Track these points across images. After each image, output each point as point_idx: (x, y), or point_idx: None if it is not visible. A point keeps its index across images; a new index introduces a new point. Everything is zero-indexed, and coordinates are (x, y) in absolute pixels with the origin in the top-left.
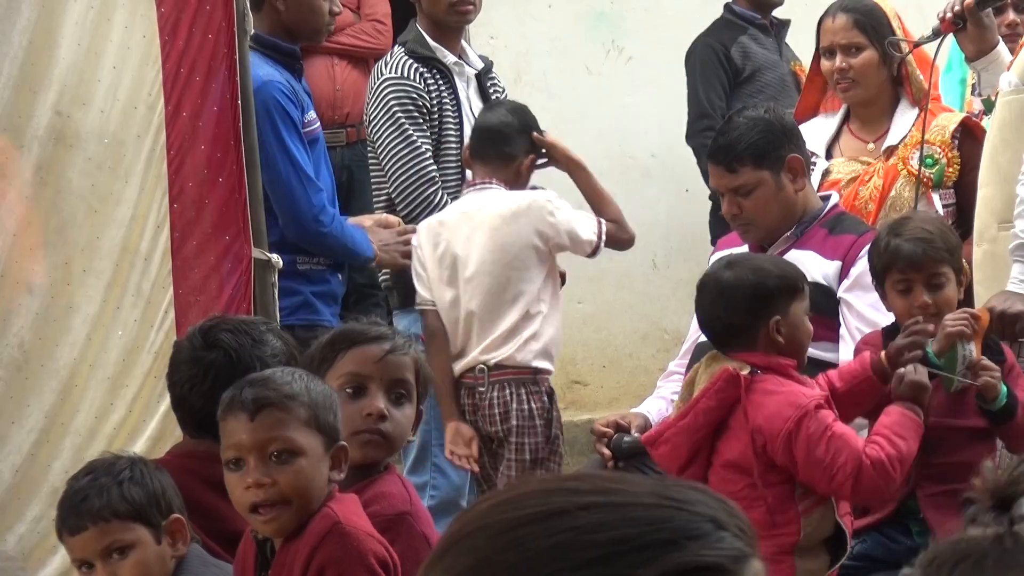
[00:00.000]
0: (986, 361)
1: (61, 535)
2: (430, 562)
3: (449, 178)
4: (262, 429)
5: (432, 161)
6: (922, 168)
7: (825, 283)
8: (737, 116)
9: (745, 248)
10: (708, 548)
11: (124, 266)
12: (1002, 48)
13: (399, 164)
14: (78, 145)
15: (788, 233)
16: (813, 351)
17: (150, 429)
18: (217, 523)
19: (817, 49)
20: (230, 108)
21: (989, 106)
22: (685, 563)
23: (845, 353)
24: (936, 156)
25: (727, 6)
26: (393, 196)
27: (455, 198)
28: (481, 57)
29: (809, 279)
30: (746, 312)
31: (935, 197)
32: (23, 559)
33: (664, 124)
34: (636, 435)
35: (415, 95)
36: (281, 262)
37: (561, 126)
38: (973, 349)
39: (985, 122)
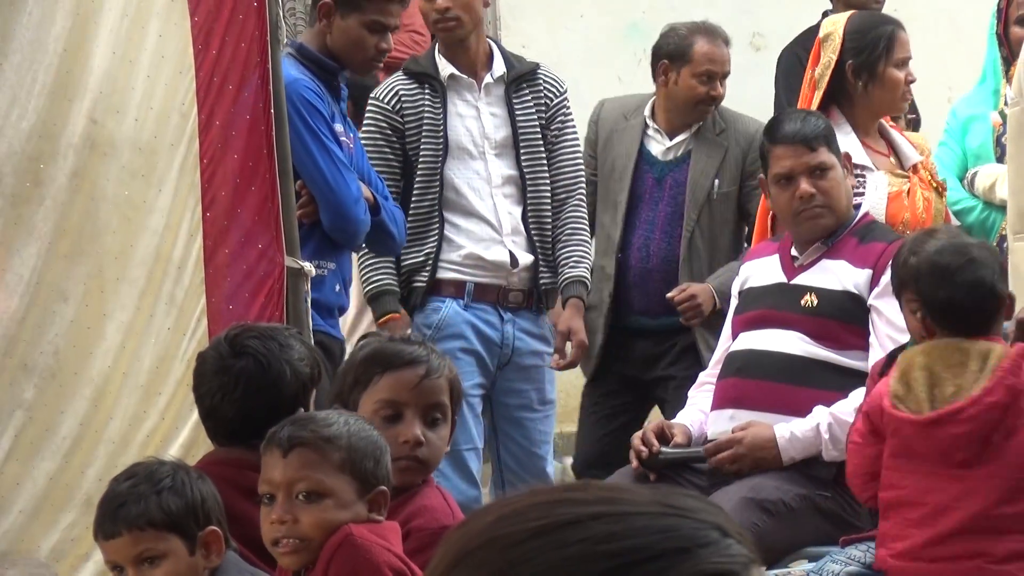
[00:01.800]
0: None
1: (97, 536)
2: None
3: (424, 193)
4: (292, 468)
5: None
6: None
7: (856, 291)
8: (792, 110)
9: (775, 259)
10: (719, 555)
11: (157, 274)
12: None
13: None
14: (112, 153)
15: (820, 243)
16: (843, 359)
17: (182, 437)
18: (251, 530)
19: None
20: (263, 117)
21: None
22: (700, 570)
23: (874, 360)
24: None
25: (824, 13)
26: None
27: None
28: (517, 60)
29: (840, 288)
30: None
31: None
32: (56, 566)
33: None
34: (674, 448)
35: (382, 118)
36: (314, 271)
37: None
38: None
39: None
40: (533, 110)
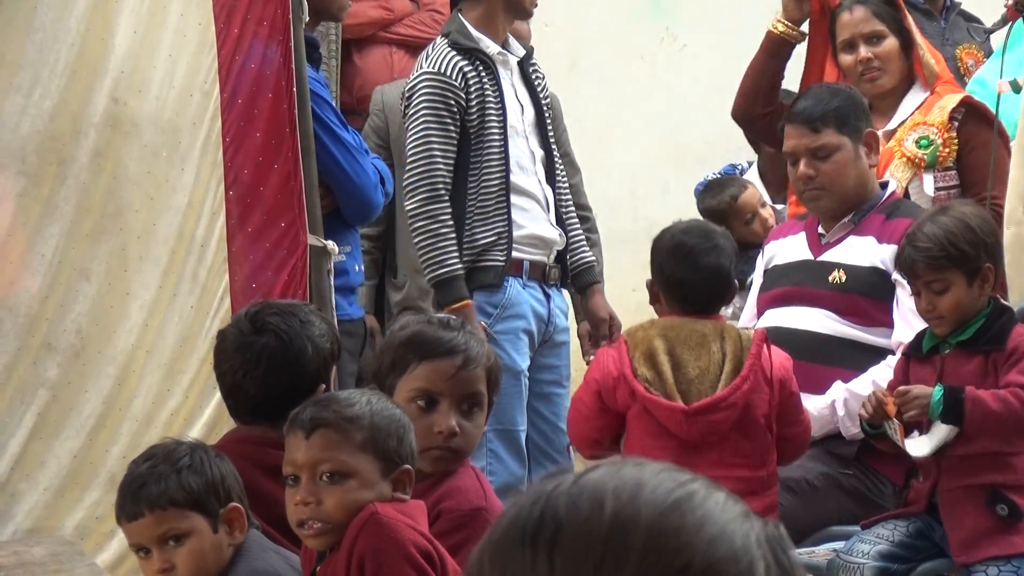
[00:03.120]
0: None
1: (119, 520)
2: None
3: (492, 171)
4: (315, 449)
5: (443, 170)
6: (913, 149)
7: (883, 267)
8: (818, 86)
9: (802, 236)
10: None
11: (180, 253)
12: None
13: (411, 169)
14: (134, 132)
15: (846, 220)
16: (869, 336)
17: (206, 415)
18: (272, 508)
19: (833, 45)
20: (285, 95)
21: (1017, 88)
22: None
23: (899, 335)
24: (931, 137)
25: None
26: (404, 196)
27: (497, 189)
28: (521, 44)
29: (868, 264)
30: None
31: (927, 179)
32: (81, 543)
33: (718, 112)
34: None
35: (449, 93)
36: (336, 249)
37: (615, 114)
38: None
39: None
40: (542, 90)
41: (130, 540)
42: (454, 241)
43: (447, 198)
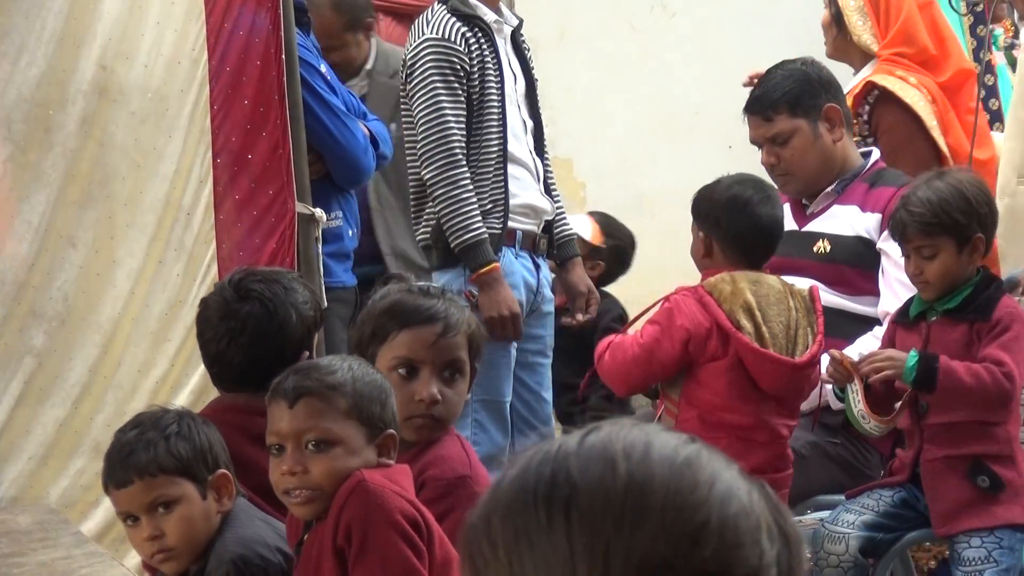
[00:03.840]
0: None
1: (107, 488)
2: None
3: (491, 138)
4: (299, 418)
5: (459, 135)
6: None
7: (867, 236)
8: (775, 69)
9: (786, 208)
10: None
11: (167, 221)
12: None
13: (425, 136)
14: (122, 100)
15: (829, 189)
16: (856, 305)
17: (192, 383)
18: (258, 476)
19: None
20: (274, 63)
21: (1012, 61)
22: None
23: (885, 304)
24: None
25: None
26: (419, 164)
27: (495, 157)
28: (513, 13)
29: (852, 233)
30: None
31: None
32: (66, 512)
33: (708, 81)
34: None
35: (455, 58)
36: (325, 217)
37: (604, 83)
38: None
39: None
40: (530, 60)
41: (118, 508)
42: (476, 205)
43: (464, 163)
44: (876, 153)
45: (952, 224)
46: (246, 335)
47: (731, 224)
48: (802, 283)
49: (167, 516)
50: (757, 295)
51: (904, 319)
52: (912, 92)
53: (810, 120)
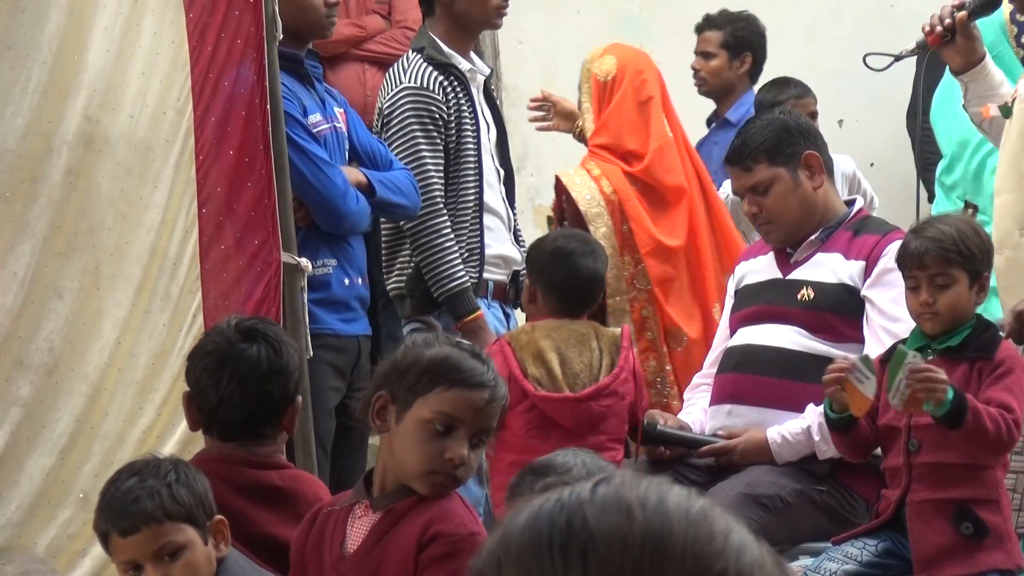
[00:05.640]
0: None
1: (106, 536)
2: None
3: (468, 187)
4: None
5: (439, 183)
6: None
7: (851, 283)
8: (754, 120)
9: (770, 256)
10: None
11: (153, 270)
12: (988, 59)
13: None
14: (107, 150)
15: (813, 237)
16: (841, 353)
17: (178, 433)
18: (246, 528)
19: None
20: (259, 112)
21: (1006, 112)
22: None
23: (869, 351)
24: None
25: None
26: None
27: (472, 206)
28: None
29: (836, 280)
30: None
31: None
32: (53, 561)
33: (690, 129)
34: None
35: (433, 107)
36: (311, 267)
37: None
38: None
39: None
40: (500, 109)
41: (121, 557)
42: (458, 253)
43: (444, 211)
44: (860, 201)
45: (969, 256)
46: (257, 375)
47: (552, 274)
48: (615, 329)
49: (173, 564)
50: (557, 340)
51: None
52: (586, 189)
53: (789, 168)
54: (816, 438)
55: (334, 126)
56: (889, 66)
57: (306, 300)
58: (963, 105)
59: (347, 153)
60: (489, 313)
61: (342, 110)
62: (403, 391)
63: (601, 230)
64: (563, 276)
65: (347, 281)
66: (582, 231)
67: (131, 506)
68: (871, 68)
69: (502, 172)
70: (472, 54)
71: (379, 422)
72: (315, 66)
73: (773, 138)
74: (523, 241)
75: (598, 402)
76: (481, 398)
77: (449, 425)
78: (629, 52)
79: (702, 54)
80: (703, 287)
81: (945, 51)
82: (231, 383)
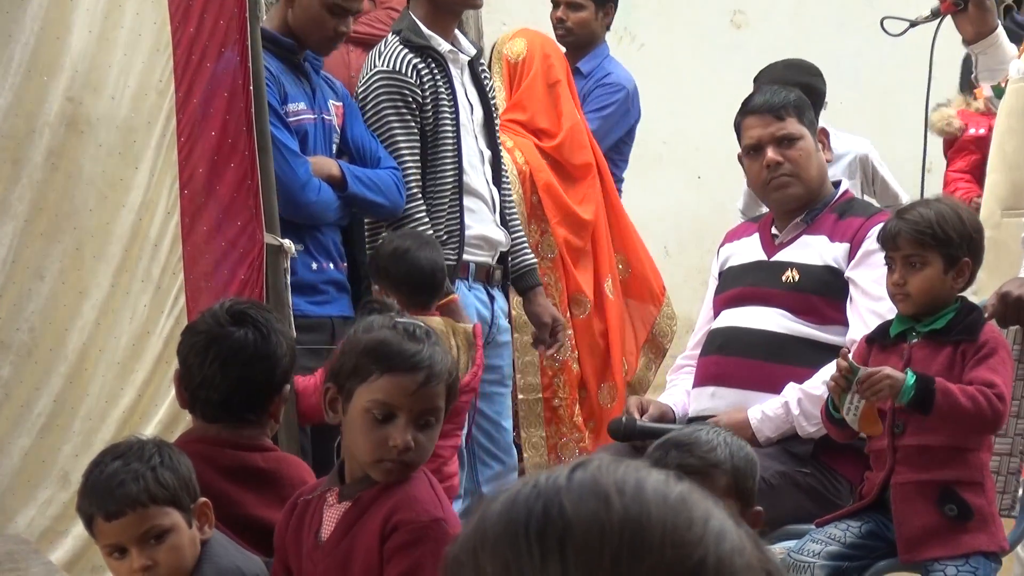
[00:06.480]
0: (871, 374)
1: (90, 520)
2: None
3: (446, 170)
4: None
5: (413, 167)
6: None
7: (835, 265)
8: (768, 84)
9: (755, 237)
10: None
11: (134, 252)
12: (1001, 32)
13: None
14: (89, 131)
15: (798, 219)
16: (823, 335)
17: (161, 413)
18: (228, 508)
19: None
20: (242, 94)
21: (999, 92)
22: None
23: (854, 333)
24: None
25: (1008, 12)
26: None
27: (452, 189)
28: (471, 43)
29: (820, 263)
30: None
31: None
32: (34, 542)
33: (676, 112)
34: (644, 421)
35: (406, 90)
36: (293, 247)
37: None
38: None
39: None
40: (490, 91)
41: (105, 540)
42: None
43: (420, 195)
44: (845, 183)
45: (945, 240)
46: (241, 359)
47: (396, 272)
48: (467, 325)
49: (159, 547)
50: None
51: (882, 339)
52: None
53: (811, 132)
54: (795, 413)
55: (322, 117)
56: (905, 31)
57: (288, 281)
58: (973, 78)
59: (335, 146)
60: (470, 295)
61: (340, 104)
62: (345, 380)
63: (511, 198)
64: (406, 271)
65: (315, 265)
66: (414, 231)
67: (116, 490)
68: (887, 32)
69: (488, 153)
70: (459, 35)
71: (331, 413)
72: (316, 59)
73: (800, 100)
74: (515, 224)
75: (461, 398)
76: (415, 380)
77: (387, 412)
78: (538, 37)
79: (569, 4)
80: (598, 260)
81: (958, 19)
82: (214, 364)
